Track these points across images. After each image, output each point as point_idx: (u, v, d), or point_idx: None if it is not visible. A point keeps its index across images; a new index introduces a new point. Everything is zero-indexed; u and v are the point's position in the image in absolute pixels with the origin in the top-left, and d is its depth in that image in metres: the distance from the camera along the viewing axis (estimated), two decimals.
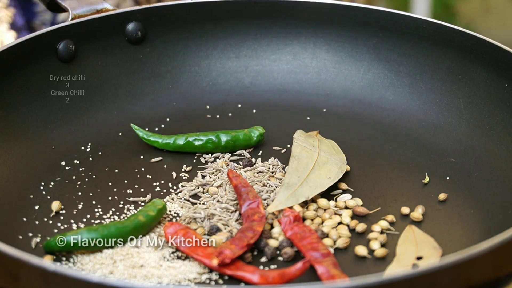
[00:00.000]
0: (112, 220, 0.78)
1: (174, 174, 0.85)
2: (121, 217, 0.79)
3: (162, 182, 0.84)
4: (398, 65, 0.94)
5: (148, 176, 0.84)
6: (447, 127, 0.90)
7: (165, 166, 0.86)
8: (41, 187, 0.82)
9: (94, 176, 0.84)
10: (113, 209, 0.80)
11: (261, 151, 0.88)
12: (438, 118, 0.91)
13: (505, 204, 0.79)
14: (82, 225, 0.78)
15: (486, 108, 0.88)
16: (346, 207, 0.80)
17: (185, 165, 0.86)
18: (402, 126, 0.91)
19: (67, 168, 0.85)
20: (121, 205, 0.80)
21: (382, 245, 0.75)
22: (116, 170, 0.85)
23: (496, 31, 1.81)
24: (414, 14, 0.95)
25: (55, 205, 0.79)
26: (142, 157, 0.87)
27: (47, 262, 0.62)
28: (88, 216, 0.79)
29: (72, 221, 0.78)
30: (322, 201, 0.79)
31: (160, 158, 0.87)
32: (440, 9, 1.88)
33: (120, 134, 0.90)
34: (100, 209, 0.80)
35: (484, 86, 0.88)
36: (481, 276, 0.63)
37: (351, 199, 0.81)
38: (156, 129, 0.92)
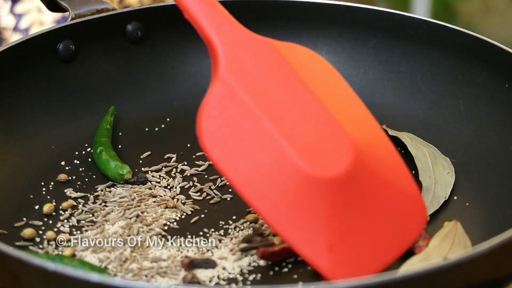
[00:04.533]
0: None
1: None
2: None
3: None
4: (398, 65, 0.94)
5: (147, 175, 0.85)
6: (447, 127, 0.90)
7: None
8: (41, 187, 0.82)
9: (94, 176, 0.84)
10: None
11: None
12: (438, 118, 0.91)
13: (505, 204, 0.79)
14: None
15: (486, 109, 0.88)
16: None
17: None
18: (402, 126, 0.91)
19: (67, 168, 0.85)
20: None
21: None
22: None
23: (496, 31, 1.81)
24: (414, 14, 0.95)
25: (47, 208, 0.79)
26: (142, 157, 0.87)
27: (47, 262, 0.62)
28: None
29: (72, 221, 0.78)
30: None
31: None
32: (440, 9, 1.88)
33: (120, 134, 0.90)
34: None
35: (484, 87, 0.88)
36: (481, 276, 0.63)
37: None
38: (156, 129, 0.92)
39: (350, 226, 0.68)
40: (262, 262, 0.73)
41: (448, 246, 0.73)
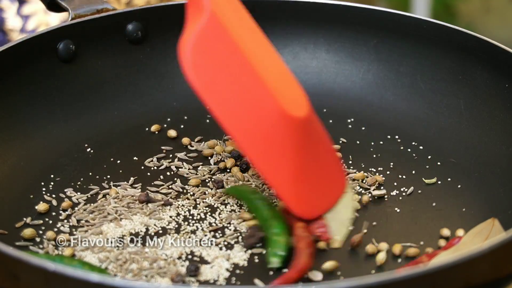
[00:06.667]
0: None
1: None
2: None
3: (162, 180, 0.84)
4: (398, 65, 0.94)
5: (148, 175, 0.84)
6: (447, 127, 0.90)
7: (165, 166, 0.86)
8: (41, 187, 0.82)
9: (94, 176, 0.84)
10: None
11: None
12: (438, 119, 0.91)
13: (505, 204, 0.79)
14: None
15: (487, 109, 0.88)
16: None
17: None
18: (402, 126, 0.91)
19: (67, 167, 0.85)
20: None
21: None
22: (116, 170, 0.85)
23: (496, 31, 1.81)
24: (414, 14, 0.95)
25: (42, 207, 0.79)
26: (142, 157, 0.87)
27: (47, 262, 0.62)
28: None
29: (72, 221, 0.78)
30: None
31: (157, 157, 0.87)
32: (440, 9, 1.88)
33: (120, 134, 0.90)
34: None
35: (485, 87, 0.88)
36: (481, 277, 0.63)
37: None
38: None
39: (309, 165, 0.77)
40: (262, 262, 0.73)
41: (481, 241, 0.73)
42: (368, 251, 0.74)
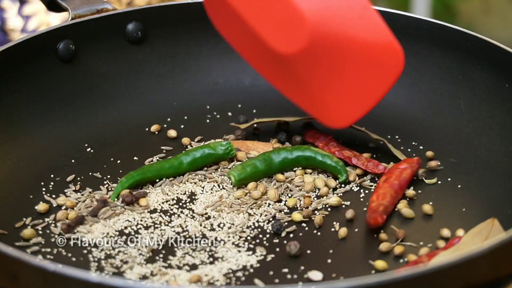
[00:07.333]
0: None
1: None
2: None
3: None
4: None
5: None
6: (447, 127, 0.90)
7: None
8: (41, 187, 0.82)
9: (94, 176, 0.84)
10: None
11: None
12: (438, 119, 0.91)
13: (505, 204, 0.79)
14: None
15: (486, 109, 0.88)
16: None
17: None
18: (402, 126, 0.91)
19: (67, 167, 0.85)
20: None
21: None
22: (116, 170, 0.85)
23: (496, 31, 1.81)
24: (414, 14, 0.95)
25: (42, 207, 0.79)
26: (142, 157, 0.87)
27: (47, 262, 0.62)
28: None
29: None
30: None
31: (158, 158, 0.87)
32: (440, 9, 1.88)
33: (120, 134, 0.90)
34: None
35: (484, 87, 0.88)
36: (481, 277, 0.63)
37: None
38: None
39: (330, 83, 0.80)
40: (262, 262, 0.74)
41: (480, 241, 0.72)
42: (367, 251, 0.75)
